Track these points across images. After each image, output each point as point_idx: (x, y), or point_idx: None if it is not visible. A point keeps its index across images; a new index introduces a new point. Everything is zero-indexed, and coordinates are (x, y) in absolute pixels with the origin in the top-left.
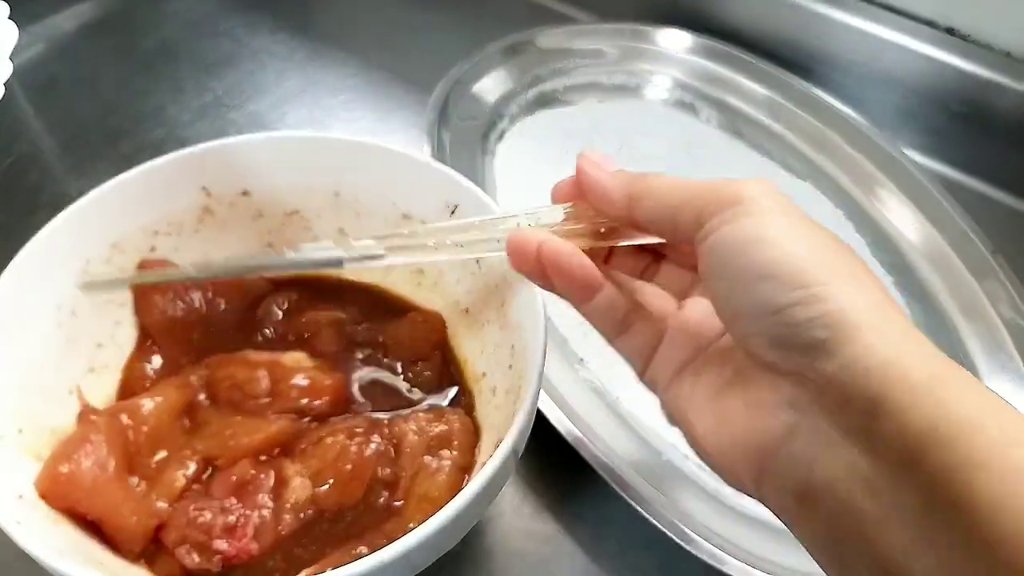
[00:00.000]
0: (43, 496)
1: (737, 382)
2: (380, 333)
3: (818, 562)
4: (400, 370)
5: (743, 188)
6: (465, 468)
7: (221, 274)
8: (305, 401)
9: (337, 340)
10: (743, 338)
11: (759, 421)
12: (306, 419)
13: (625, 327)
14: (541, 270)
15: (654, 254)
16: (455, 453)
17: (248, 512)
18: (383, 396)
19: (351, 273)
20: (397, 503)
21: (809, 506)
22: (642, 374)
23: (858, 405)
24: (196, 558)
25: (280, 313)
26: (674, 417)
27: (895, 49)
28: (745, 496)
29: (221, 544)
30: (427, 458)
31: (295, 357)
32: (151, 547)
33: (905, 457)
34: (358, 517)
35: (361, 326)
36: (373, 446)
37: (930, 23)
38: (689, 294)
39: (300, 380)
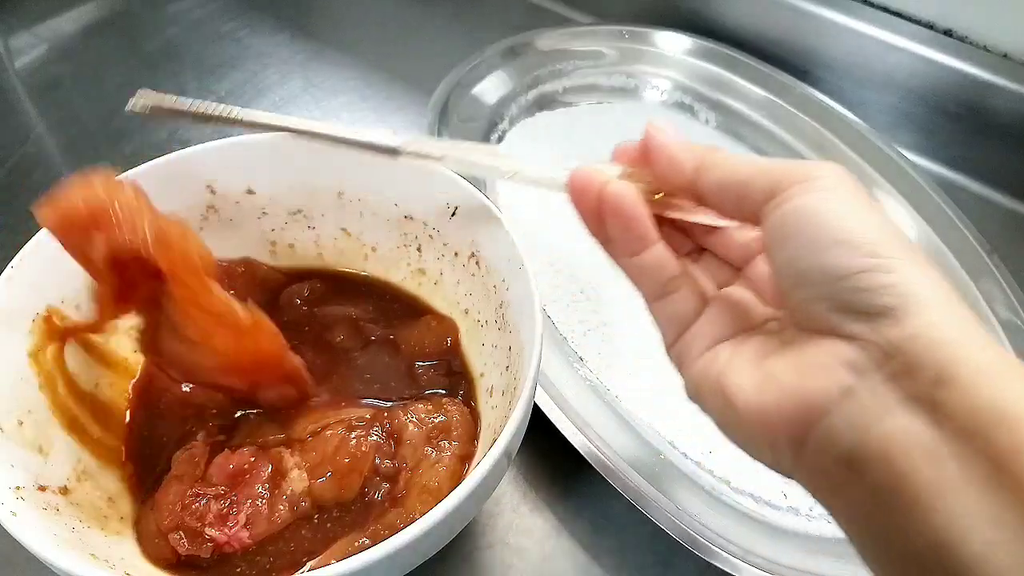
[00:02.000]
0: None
1: (785, 350)
2: (393, 333)
3: (853, 537)
4: (408, 370)
5: (819, 166)
6: (466, 457)
7: (265, 127)
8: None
9: (351, 336)
10: (804, 303)
11: (812, 380)
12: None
13: (668, 291)
14: (598, 211)
15: (697, 243)
16: (455, 444)
17: (242, 501)
18: (390, 393)
19: (371, 267)
20: (399, 494)
21: (858, 472)
22: (671, 344)
23: (926, 374)
24: (187, 544)
25: (300, 303)
26: (703, 387)
27: (893, 51)
28: (743, 495)
29: (212, 532)
30: (428, 449)
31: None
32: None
33: (973, 431)
34: (356, 510)
35: (376, 324)
36: (373, 439)
37: (929, 25)
38: (727, 287)
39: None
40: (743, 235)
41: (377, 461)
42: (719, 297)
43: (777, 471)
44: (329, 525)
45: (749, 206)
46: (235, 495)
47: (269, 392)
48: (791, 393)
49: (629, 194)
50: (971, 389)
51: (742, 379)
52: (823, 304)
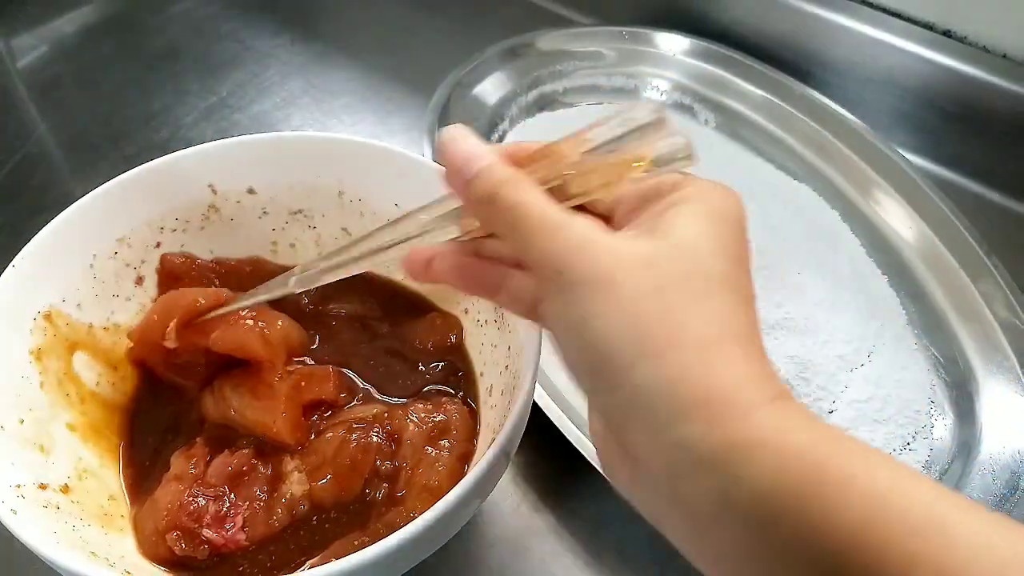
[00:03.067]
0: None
1: None
2: (398, 330)
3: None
4: (414, 367)
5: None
6: (465, 456)
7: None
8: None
9: (357, 333)
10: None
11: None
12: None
13: (539, 316)
14: (441, 280)
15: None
16: (454, 443)
17: (241, 503)
18: (395, 390)
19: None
20: (399, 494)
21: None
22: (527, 316)
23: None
24: (183, 545)
25: (306, 301)
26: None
27: (892, 51)
28: None
29: (209, 533)
30: (427, 448)
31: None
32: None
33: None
34: (355, 511)
35: (381, 321)
36: (373, 440)
37: (928, 25)
38: None
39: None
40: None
41: (377, 463)
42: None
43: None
44: (328, 525)
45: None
46: (233, 496)
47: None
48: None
49: (452, 263)
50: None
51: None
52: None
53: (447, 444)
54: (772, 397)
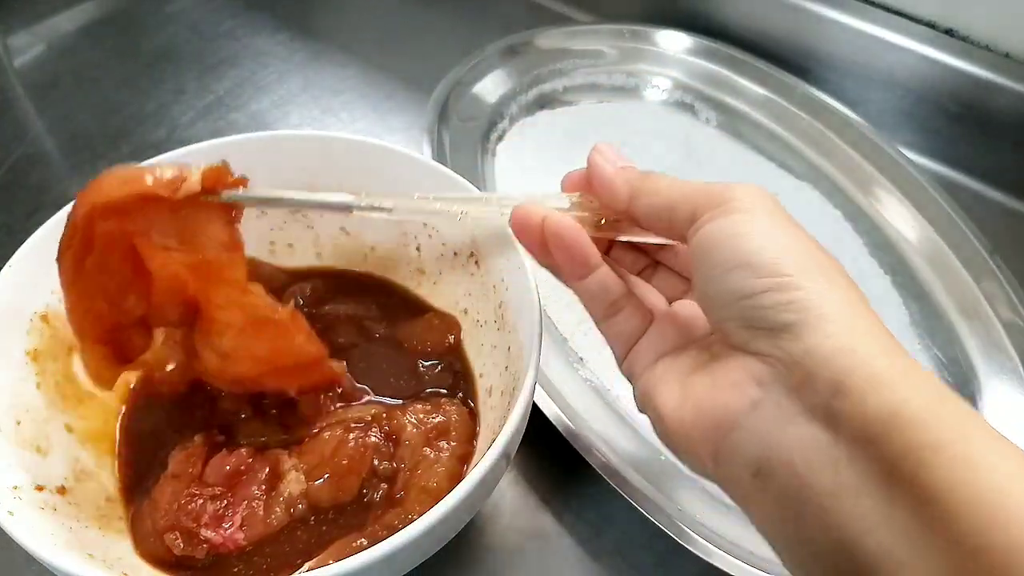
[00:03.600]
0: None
1: (710, 365)
2: (396, 331)
3: (768, 539)
4: (412, 368)
5: (734, 189)
6: (464, 457)
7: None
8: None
9: (354, 334)
10: (718, 322)
11: (724, 395)
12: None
13: (614, 311)
14: (542, 241)
15: (652, 258)
16: (453, 444)
17: (238, 503)
18: (393, 392)
19: (370, 267)
20: (397, 495)
21: (764, 480)
22: (622, 360)
23: (821, 385)
24: (182, 545)
25: (303, 303)
26: (644, 401)
27: (894, 50)
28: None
29: (208, 533)
30: (426, 450)
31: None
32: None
33: (865, 435)
34: (353, 512)
35: (378, 323)
36: (371, 440)
37: (930, 24)
38: (680, 299)
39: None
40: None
41: (376, 463)
42: (666, 313)
43: (704, 478)
44: (326, 527)
45: (677, 229)
46: (231, 496)
47: (309, 396)
48: (707, 408)
49: (568, 225)
50: (864, 397)
51: (667, 394)
52: (734, 323)
53: (446, 445)
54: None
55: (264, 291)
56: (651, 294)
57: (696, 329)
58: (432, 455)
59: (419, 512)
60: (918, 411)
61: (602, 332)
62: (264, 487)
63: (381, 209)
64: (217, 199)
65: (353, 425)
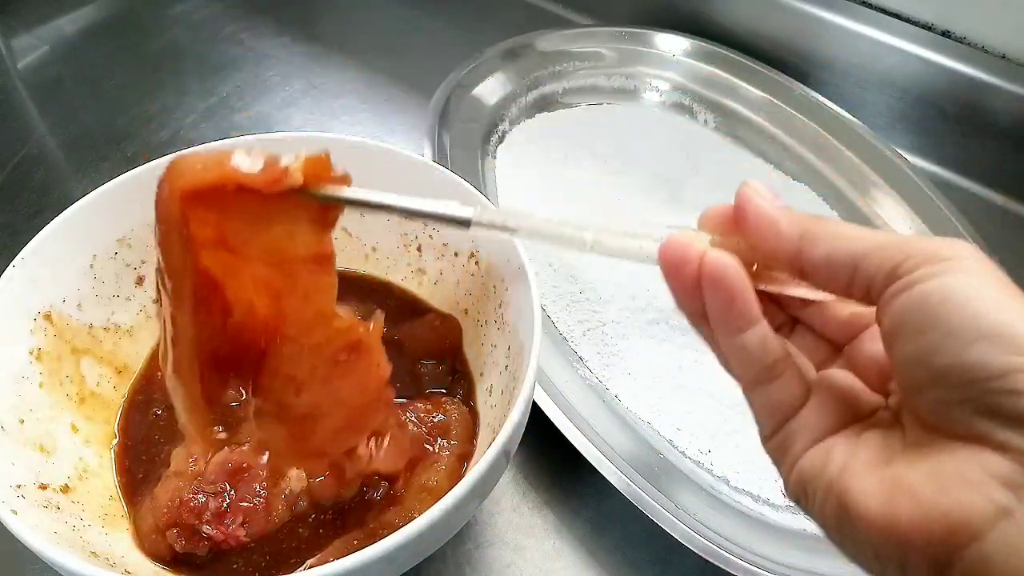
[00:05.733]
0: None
1: (919, 455)
2: (397, 331)
3: None
4: (413, 368)
5: (951, 245)
6: (464, 456)
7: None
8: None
9: None
10: (941, 404)
11: (959, 496)
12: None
13: (771, 377)
14: (695, 283)
15: (789, 315)
16: (454, 443)
17: (240, 500)
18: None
19: (371, 267)
20: (398, 494)
21: None
22: (770, 436)
23: None
24: (184, 542)
25: None
26: (813, 488)
27: (891, 52)
28: (742, 494)
29: (209, 530)
30: (427, 448)
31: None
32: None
33: None
34: (354, 510)
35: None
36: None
37: (927, 26)
38: (825, 367)
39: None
40: (844, 308)
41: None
42: (822, 382)
43: None
44: (325, 526)
45: (863, 286)
46: (233, 493)
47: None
48: (932, 509)
49: (732, 266)
50: None
51: (865, 486)
52: (966, 407)
53: (446, 444)
54: None
55: (349, 310)
56: (800, 358)
57: (863, 404)
58: (432, 454)
59: (419, 510)
60: None
61: (750, 399)
62: (265, 484)
63: (504, 228)
64: (317, 197)
65: None
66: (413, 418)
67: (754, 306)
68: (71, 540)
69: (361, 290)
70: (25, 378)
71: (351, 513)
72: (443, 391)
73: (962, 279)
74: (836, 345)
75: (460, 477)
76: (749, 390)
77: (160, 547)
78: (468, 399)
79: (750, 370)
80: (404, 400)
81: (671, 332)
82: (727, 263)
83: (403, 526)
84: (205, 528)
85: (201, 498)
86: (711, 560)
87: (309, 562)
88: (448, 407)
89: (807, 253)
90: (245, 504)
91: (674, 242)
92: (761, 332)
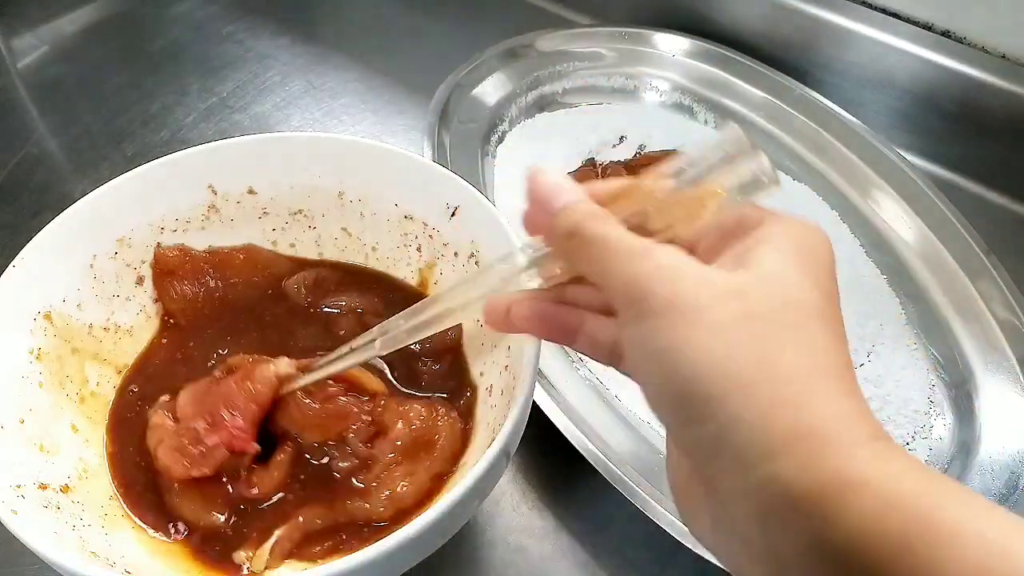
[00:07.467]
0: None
1: None
2: None
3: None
4: (412, 367)
5: (651, 279)
6: (441, 475)
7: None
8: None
9: (355, 327)
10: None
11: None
12: None
13: (619, 357)
14: (519, 329)
15: None
16: (433, 461)
17: (224, 412)
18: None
19: (371, 266)
20: (370, 485)
21: None
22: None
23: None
24: (207, 469)
25: (305, 292)
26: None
27: (891, 52)
28: None
29: (213, 438)
30: (407, 456)
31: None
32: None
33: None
34: (322, 482)
35: (380, 317)
36: (356, 411)
37: (927, 26)
38: None
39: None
40: None
41: (352, 433)
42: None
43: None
44: (293, 495)
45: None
46: (216, 417)
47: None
48: None
49: (530, 315)
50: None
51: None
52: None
53: (426, 459)
54: (871, 436)
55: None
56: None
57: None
58: (411, 464)
59: (384, 514)
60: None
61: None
62: (240, 408)
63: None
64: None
65: (350, 392)
66: (404, 419)
67: (566, 324)
68: (71, 540)
69: (362, 285)
70: (25, 378)
71: (318, 486)
72: (443, 398)
73: (655, 323)
74: None
75: (431, 495)
76: (617, 368)
77: (195, 500)
78: (466, 394)
79: (600, 359)
80: (403, 394)
81: None
82: (523, 315)
83: (369, 518)
84: (209, 438)
85: (189, 430)
86: (711, 560)
87: (276, 533)
88: (439, 423)
89: (572, 259)
90: (226, 413)
91: (488, 307)
92: (586, 334)
